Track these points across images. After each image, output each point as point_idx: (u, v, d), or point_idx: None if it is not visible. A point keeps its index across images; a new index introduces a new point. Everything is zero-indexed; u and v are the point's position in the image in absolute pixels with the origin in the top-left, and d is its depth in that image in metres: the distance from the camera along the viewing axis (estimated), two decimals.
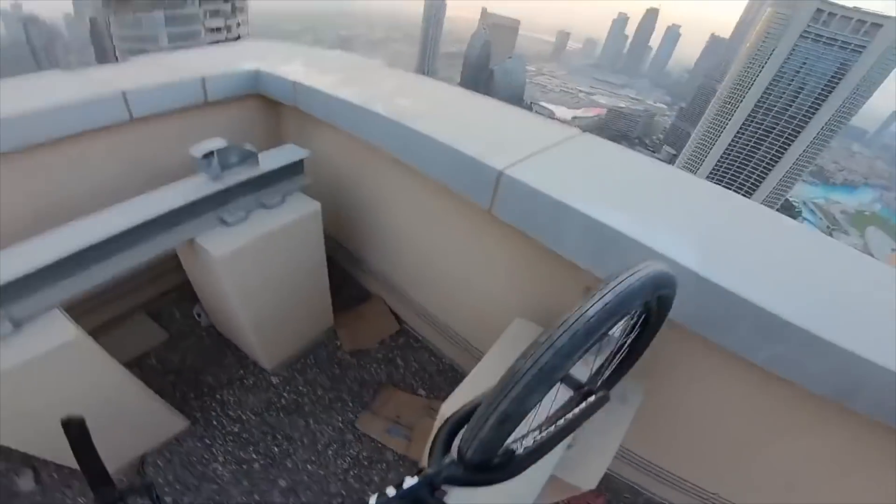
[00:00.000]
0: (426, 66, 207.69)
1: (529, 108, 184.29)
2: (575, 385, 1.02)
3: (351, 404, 2.33)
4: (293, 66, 2.42)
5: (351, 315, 2.73)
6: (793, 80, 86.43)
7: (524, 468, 0.83)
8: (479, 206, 1.61)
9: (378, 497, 0.75)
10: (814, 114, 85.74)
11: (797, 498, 1.61)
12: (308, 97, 2.19)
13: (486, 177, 1.52)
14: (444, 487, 0.77)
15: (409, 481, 0.76)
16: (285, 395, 2.33)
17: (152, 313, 2.60)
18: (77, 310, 1.59)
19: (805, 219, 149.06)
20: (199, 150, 1.67)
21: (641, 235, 1.25)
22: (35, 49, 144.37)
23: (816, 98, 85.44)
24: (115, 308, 2.41)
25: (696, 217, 1.45)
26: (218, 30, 49.15)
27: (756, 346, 1.16)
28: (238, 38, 51.12)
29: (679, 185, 1.63)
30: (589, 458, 1.32)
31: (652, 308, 0.92)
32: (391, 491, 0.75)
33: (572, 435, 1.22)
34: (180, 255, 1.95)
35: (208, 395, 2.27)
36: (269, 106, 2.51)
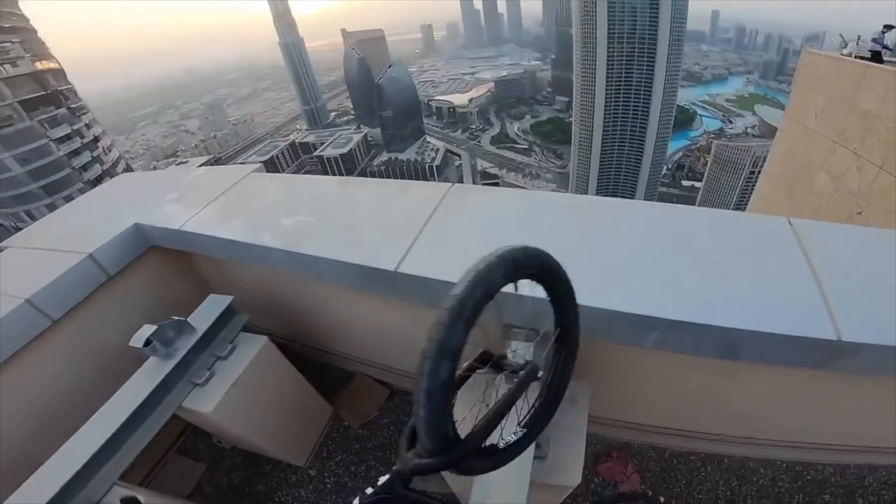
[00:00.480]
0: (311, 102, 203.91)
1: (429, 106, 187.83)
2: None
3: (382, 468, 2.58)
4: (170, 206, 2.41)
5: (344, 396, 2.95)
6: (624, 6, 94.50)
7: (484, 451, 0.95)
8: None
9: (360, 497, 0.86)
10: (656, 27, 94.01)
11: (747, 426, 2.02)
12: (201, 243, 2.19)
13: (385, 278, 1.68)
14: (416, 479, 0.87)
15: (383, 479, 0.87)
16: (328, 480, 2.55)
17: (181, 451, 2.77)
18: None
19: (701, 116, 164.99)
20: (137, 341, 1.75)
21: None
22: None
23: (650, 13, 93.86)
24: (149, 460, 2.52)
25: (560, 244, 1.68)
26: (68, 137, 45.53)
27: (639, 337, 1.42)
28: (95, 139, 47.66)
29: (542, 212, 1.89)
30: (564, 459, 1.55)
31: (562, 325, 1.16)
32: (369, 490, 0.87)
33: (542, 447, 1.47)
34: (179, 414, 2.06)
35: (267, 501, 2.48)
36: (172, 252, 2.50)
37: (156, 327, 1.79)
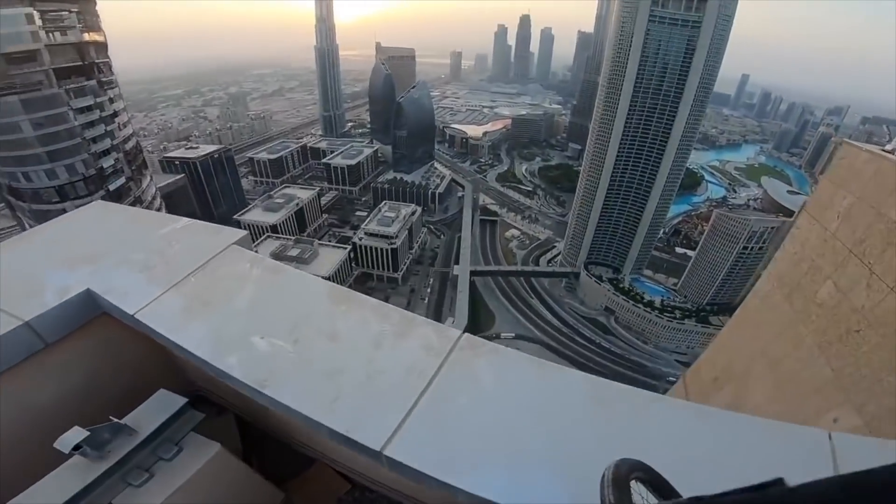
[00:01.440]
0: (331, 110, 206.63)
1: (443, 132, 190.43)
2: None
3: None
4: (132, 274, 2.11)
5: (300, 481, 2.75)
6: (656, 62, 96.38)
7: None
8: None
9: None
10: (682, 88, 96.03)
11: None
12: (156, 335, 1.91)
13: (367, 452, 1.46)
14: None
15: None
16: None
17: None
18: None
19: (708, 181, 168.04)
20: (63, 445, 1.51)
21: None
22: None
23: (680, 74, 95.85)
24: None
25: (580, 449, 1.48)
26: (89, 108, 45.68)
27: None
28: (114, 114, 47.80)
29: (560, 397, 1.63)
30: None
31: None
32: None
33: None
34: None
35: None
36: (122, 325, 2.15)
37: (87, 433, 1.54)
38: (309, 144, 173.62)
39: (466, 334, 1.80)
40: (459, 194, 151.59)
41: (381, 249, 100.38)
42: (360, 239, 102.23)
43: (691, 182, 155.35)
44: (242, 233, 2.40)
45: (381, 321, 1.92)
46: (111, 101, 49.18)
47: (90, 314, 2.04)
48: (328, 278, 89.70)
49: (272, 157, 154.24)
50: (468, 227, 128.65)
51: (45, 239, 2.46)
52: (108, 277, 2.08)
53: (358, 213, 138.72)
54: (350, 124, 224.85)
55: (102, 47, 48.39)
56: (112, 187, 44.43)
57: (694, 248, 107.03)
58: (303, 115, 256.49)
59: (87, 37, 45.75)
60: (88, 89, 45.67)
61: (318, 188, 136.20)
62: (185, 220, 2.48)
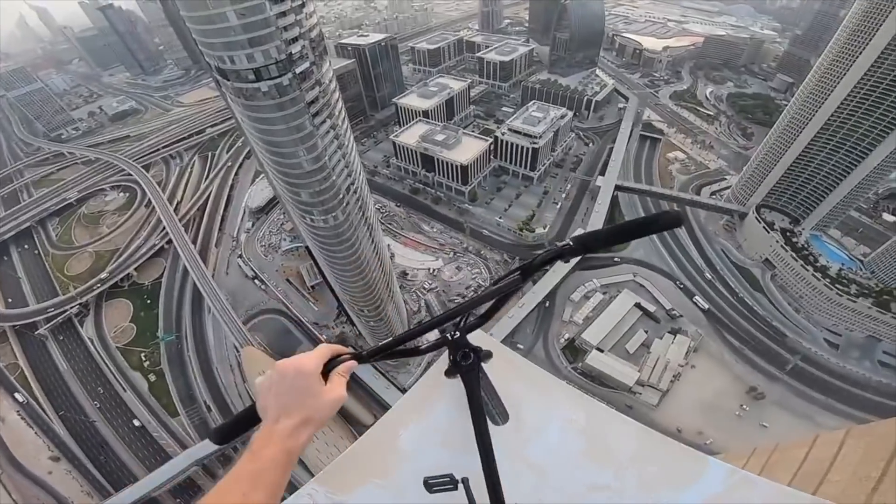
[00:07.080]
0: (490, 5, 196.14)
1: (612, 41, 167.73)
2: None
3: None
4: None
5: None
6: None
7: None
8: None
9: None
10: None
11: None
12: None
13: None
14: None
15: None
16: None
17: None
18: None
19: None
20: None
21: None
22: None
23: None
24: None
25: None
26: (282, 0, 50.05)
27: None
28: (302, 5, 51.50)
29: None
30: None
31: None
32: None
33: None
34: None
35: None
36: None
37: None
38: (465, 38, 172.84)
39: None
40: (620, 105, 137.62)
41: (523, 147, 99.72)
42: (503, 134, 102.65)
43: None
44: None
45: None
46: None
47: None
48: (466, 166, 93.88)
49: (431, 47, 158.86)
50: (624, 139, 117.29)
51: None
52: None
53: (504, 108, 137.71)
54: (507, 21, 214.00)
55: None
56: (298, 70, 49.48)
57: None
58: (462, 9, 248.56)
59: None
60: None
61: (470, 80, 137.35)
62: None
